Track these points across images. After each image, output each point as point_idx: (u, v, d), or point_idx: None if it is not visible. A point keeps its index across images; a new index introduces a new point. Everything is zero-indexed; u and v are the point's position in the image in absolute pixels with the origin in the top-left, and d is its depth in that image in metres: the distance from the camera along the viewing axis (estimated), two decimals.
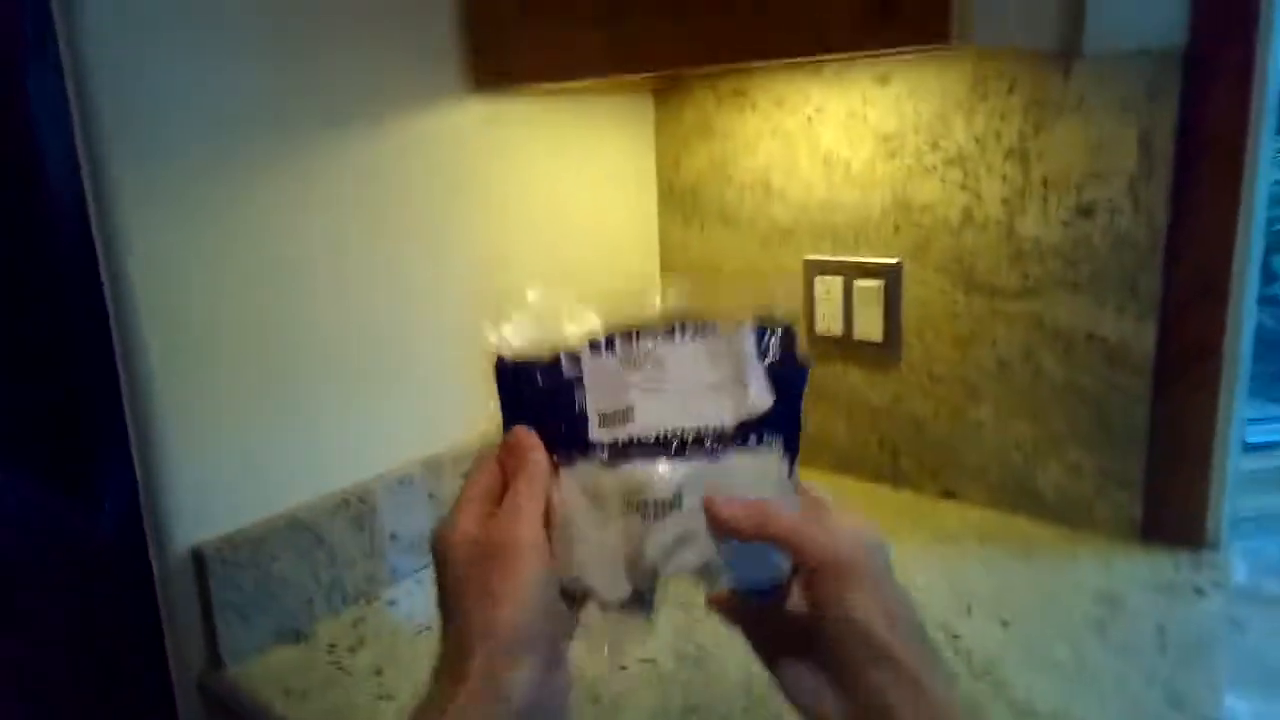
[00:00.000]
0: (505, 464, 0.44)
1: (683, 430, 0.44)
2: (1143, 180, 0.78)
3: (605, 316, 0.46)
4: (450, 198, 0.87)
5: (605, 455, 0.43)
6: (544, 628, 0.40)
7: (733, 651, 0.69)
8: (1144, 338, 0.81)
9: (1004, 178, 0.86)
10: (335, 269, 0.78)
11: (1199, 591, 0.76)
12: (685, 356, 0.45)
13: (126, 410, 0.66)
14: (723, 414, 0.44)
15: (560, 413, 0.44)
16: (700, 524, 0.42)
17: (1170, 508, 0.84)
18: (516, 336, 0.46)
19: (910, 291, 0.95)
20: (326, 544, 0.77)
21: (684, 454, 0.43)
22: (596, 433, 0.44)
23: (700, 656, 0.69)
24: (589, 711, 0.63)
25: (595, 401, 0.44)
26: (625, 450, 0.43)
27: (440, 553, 0.41)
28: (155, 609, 0.70)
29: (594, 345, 0.45)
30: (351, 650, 0.73)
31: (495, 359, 0.45)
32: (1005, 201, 0.87)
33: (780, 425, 0.44)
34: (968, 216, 0.89)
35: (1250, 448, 0.93)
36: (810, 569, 0.41)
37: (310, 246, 0.76)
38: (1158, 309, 0.80)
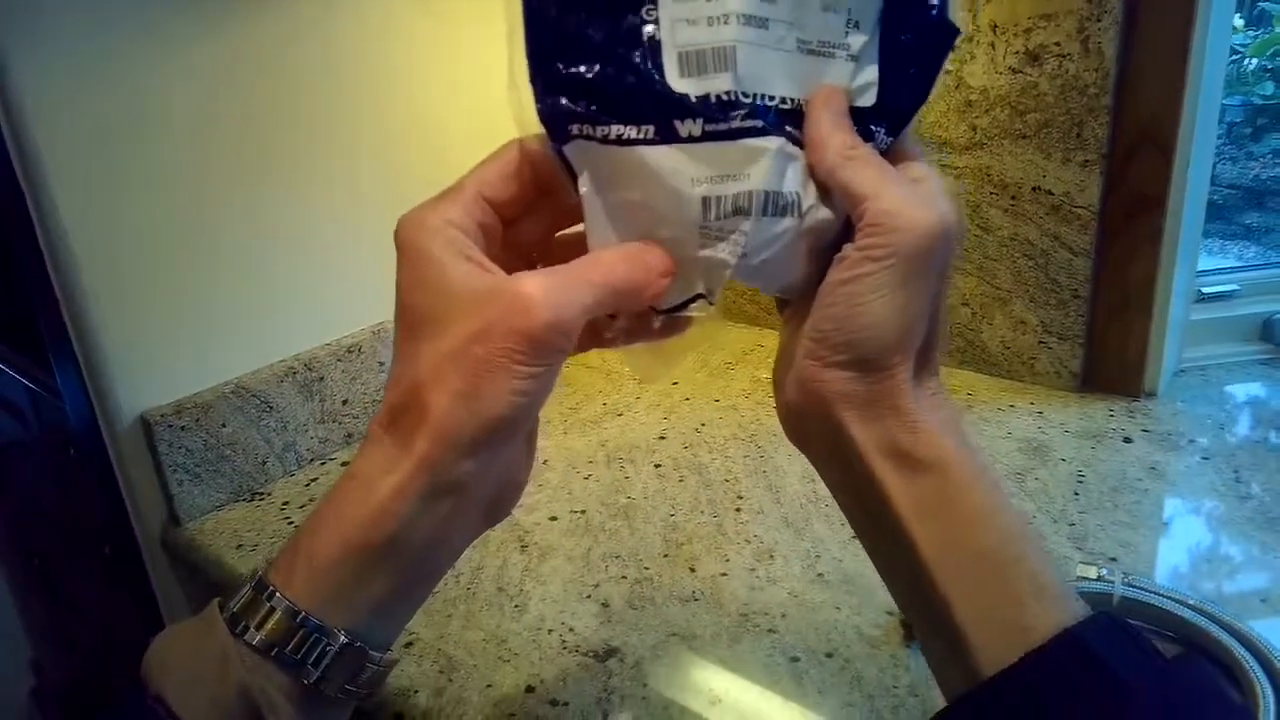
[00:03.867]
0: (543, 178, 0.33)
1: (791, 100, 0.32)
2: (1092, 21, 0.75)
3: None
4: (389, 67, 0.85)
5: (698, 124, 0.30)
6: (525, 422, 0.32)
7: (660, 504, 0.73)
8: (1089, 188, 0.79)
9: None
10: (270, 135, 0.77)
11: (1127, 439, 0.77)
12: None
13: (57, 290, 0.68)
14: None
15: (619, 46, 0.30)
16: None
17: (1109, 359, 0.84)
18: None
19: None
20: (276, 410, 0.80)
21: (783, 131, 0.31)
22: (680, 83, 0.30)
23: (628, 507, 0.72)
24: (516, 559, 0.67)
25: (675, 27, 0.30)
26: (725, 111, 0.30)
27: (434, 263, 0.31)
28: (115, 476, 0.74)
29: None
30: (302, 508, 0.77)
31: None
32: (954, 49, 0.83)
33: (901, 100, 0.34)
34: None
35: (1209, 298, 0.93)
36: (866, 226, 0.31)
37: (245, 116, 0.75)
38: (1103, 158, 0.78)
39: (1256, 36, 2.64)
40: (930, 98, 0.36)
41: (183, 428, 0.73)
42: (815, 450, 0.35)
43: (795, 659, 0.55)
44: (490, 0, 0.93)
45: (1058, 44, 0.77)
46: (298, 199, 0.80)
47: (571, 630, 0.59)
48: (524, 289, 0.30)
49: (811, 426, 0.34)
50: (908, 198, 0.31)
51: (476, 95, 0.94)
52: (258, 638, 0.30)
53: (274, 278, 0.80)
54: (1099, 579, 0.57)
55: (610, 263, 0.32)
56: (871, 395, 0.32)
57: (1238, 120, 2.69)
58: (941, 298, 0.33)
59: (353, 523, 0.31)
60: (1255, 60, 2.68)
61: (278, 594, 0.31)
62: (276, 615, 0.31)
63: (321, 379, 0.83)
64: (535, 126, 0.32)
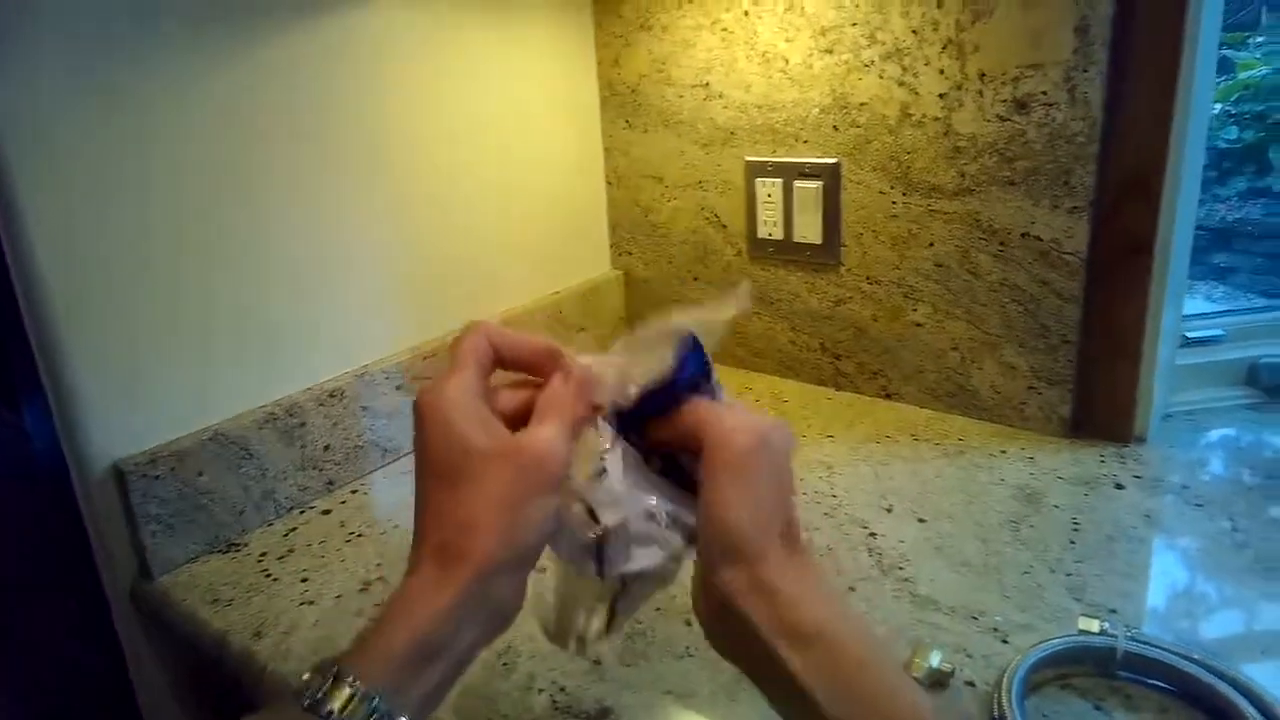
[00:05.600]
0: (530, 360, 0.43)
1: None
2: (1079, 72, 0.76)
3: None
4: (371, 107, 0.84)
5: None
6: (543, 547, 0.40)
7: None
8: (1077, 235, 0.80)
9: (941, 71, 0.83)
10: (251, 184, 0.76)
11: (1119, 485, 0.77)
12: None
13: (29, 332, 0.65)
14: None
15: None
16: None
17: (1098, 404, 0.84)
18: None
19: (849, 192, 0.93)
20: (255, 457, 0.77)
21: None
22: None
23: None
24: None
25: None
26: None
27: (457, 433, 0.39)
28: (84, 525, 0.71)
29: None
30: (280, 559, 0.74)
31: None
32: (942, 97, 0.84)
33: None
34: (905, 113, 0.87)
35: (1194, 342, 0.94)
36: (699, 449, 0.41)
37: (226, 158, 0.73)
38: (1091, 205, 0.79)
39: (1220, 83, 2.72)
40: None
41: (157, 477, 0.70)
42: (735, 650, 0.40)
43: None
44: (494, 45, 0.94)
45: (1045, 93, 0.78)
46: (280, 242, 0.79)
47: (563, 690, 0.57)
48: (540, 445, 0.39)
49: (726, 628, 0.39)
50: (734, 419, 0.41)
51: (469, 146, 0.94)
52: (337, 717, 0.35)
53: (255, 321, 0.78)
54: (1102, 633, 0.56)
55: (568, 404, 0.41)
56: (755, 583, 0.38)
57: (1205, 164, 2.77)
58: (786, 488, 0.41)
59: (421, 621, 0.36)
60: (1220, 105, 2.76)
61: (357, 680, 0.35)
62: (355, 699, 0.35)
63: (303, 424, 0.81)
64: None
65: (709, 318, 0.45)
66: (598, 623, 0.44)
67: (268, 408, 0.79)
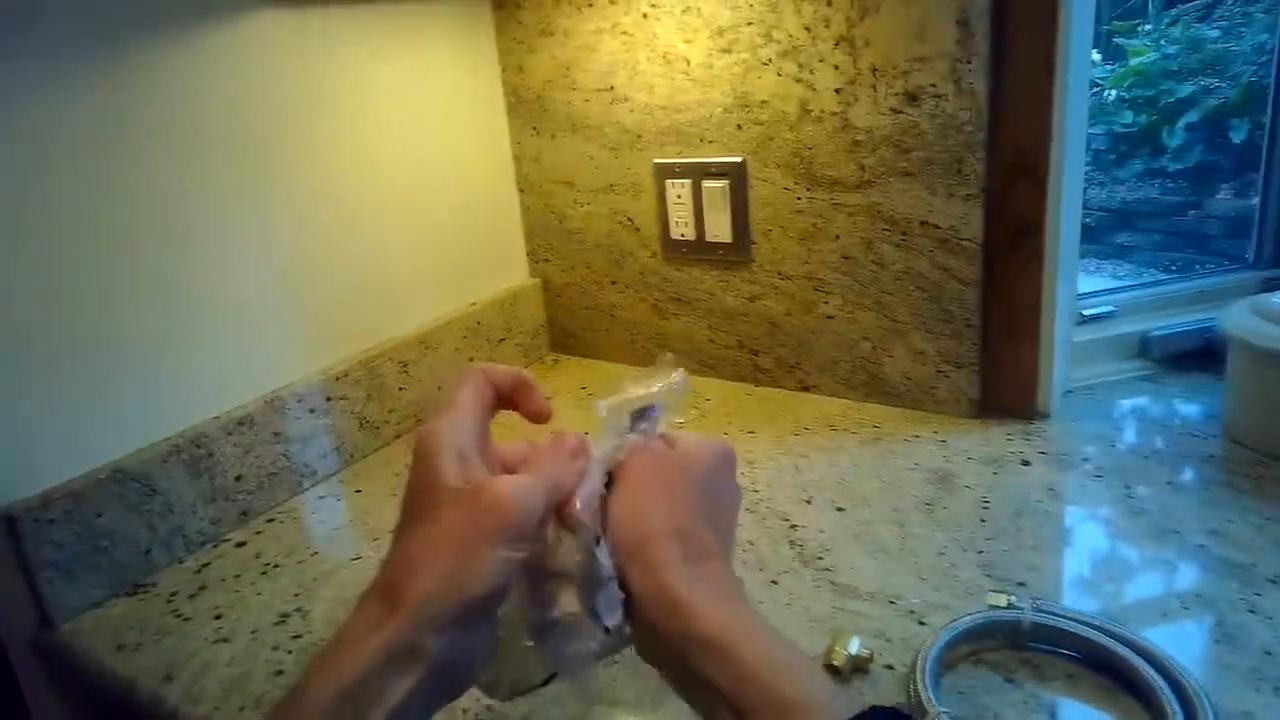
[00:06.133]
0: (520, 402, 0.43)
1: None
2: (963, 63, 0.78)
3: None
4: (264, 125, 0.82)
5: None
6: (495, 604, 0.37)
7: None
8: (972, 221, 0.82)
9: (836, 67, 0.85)
10: (139, 206, 0.73)
11: (1025, 462, 0.80)
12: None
13: None
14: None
15: None
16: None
17: (1003, 384, 0.87)
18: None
19: (755, 190, 0.94)
20: (160, 493, 0.75)
21: None
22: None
23: None
24: None
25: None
26: None
27: (431, 467, 0.37)
28: None
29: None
30: (192, 597, 0.71)
31: None
32: (838, 92, 0.86)
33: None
34: (804, 109, 0.88)
35: (1089, 319, 0.98)
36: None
37: (109, 181, 0.70)
38: (983, 191, 0.81)
39: (1113, 70, 2.84)
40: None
41: (51, 520, 0.67)
42: (659, 659, 0.40)
43: None
44: (392, 57, 0.92)
45: (933, 85, 0.80)
46: (178, 267, 0.76)
47: (489, 708, 0.56)
48: (503, 488, 0.37)
49: (642, 631, 0.40)
50: (654, 444, 0.45)
51: (373, 160, 0.92)
52: None
53: (154, 350, 0.75)
54: (1009, 607, 0.57)
55: (550, 462, 0.40)
56: (661, 596, 0.38)
57: (1102, 148, 2.88)
58: (684, 502, 0.42)
59: (346, 668, 0.34)
60: (1114, 91, 2.88)
61: None
62: None
63: (210, 455, 0.78)
64: None
65: (641, 393, 0.47)
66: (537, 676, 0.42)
67: (172, 440, 0.76)
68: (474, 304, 1.07)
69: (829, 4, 0.83)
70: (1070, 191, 0.81)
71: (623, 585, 0.40)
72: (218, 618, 0.68)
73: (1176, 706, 0.49)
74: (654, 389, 0.47)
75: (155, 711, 0.60)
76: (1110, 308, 0.95)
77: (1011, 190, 0.81)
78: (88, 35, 0.68)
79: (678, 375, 0.47)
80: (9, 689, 0.70)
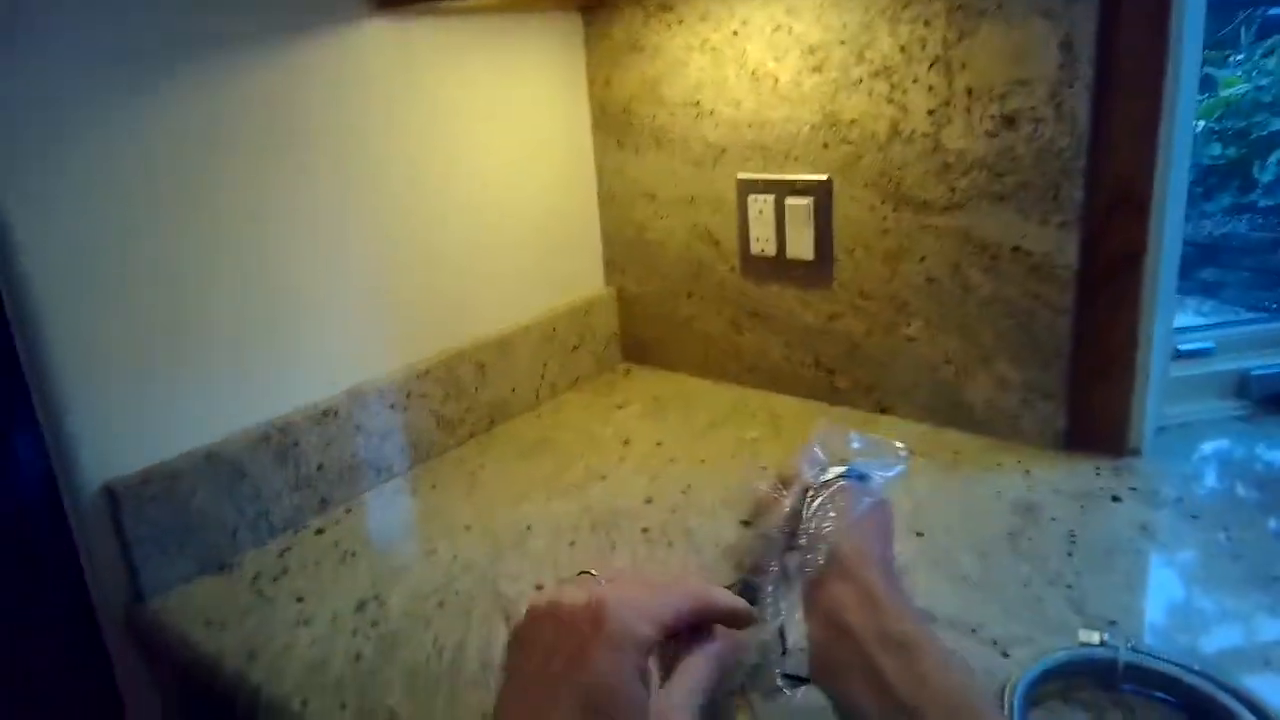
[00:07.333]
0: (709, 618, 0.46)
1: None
2: (1065, 87, 0.77)
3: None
4: (360, 128, 0.84)
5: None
6: None
7: (650, 571, 0.70)
8: (1067, 248, 0.81)
9: (930, 88, 0.84)
10: (240, 205, 0.76)
11: (1115, 499, 0.77)
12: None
13: (19, 350, 0.65)
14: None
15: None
16: None
17: (1093, 417, 0.85)
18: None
19: (840, 208, 0.94)
20: (249, 477, 0.77)
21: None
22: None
23: None
24: (501, 632, 0.64)
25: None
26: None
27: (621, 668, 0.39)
28: (75, 548, 0.70)
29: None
30: (275, 579, 0.73)
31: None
32: (931, 113, 0.85)
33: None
34: (895, 130, 0.87)
35: (1185, 354, 0.94)
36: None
37: (213, 181, 0.74)
38: (1080, 219, 0.79)
39: (1202, 100, 2.76)
40: None
41: (150, 498, 0.70)
42: (839, 666, 0.45)
43: None
44: (487, 69, 0.95)
45: (1032, 108, 0.79)
46: (276, 263, 0.79)
47: None
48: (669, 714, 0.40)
49: (827, 637, 0.46)
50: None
51: (462, 166, 0.94)
52: None
53: (250, 341, 0.78)
54: (1103, 645, 0.55)
55: (703, 672, 0.44)
56: (863, 598, 0.46)
57: (1190, 180, 2.79)
58: (887, 538, 0.54)
59: None
60: (1203, 122, 2.80)
61: None
62: None
63: (296, 444, 0.81)
64: None
65: (862, 456, 0.56)
66: None
67: (261, 427, 0.78)
68: (551, 310, 1.09)
69: (926, 25, 0.83)
70: (1172, 222, 0.79)
71: (821, 595, 0.48)
72: (299, 600, 0.70)
73: None
74: (884, 475, 0.56)
75: (239, 688, 0.61)
76: (1209, 344, 0.92)
77: (1111, 218, 0.79)
78: (201, 43, 0.72)
79: (901, 465, 0.56)
80: (100, 658, 0.73)
